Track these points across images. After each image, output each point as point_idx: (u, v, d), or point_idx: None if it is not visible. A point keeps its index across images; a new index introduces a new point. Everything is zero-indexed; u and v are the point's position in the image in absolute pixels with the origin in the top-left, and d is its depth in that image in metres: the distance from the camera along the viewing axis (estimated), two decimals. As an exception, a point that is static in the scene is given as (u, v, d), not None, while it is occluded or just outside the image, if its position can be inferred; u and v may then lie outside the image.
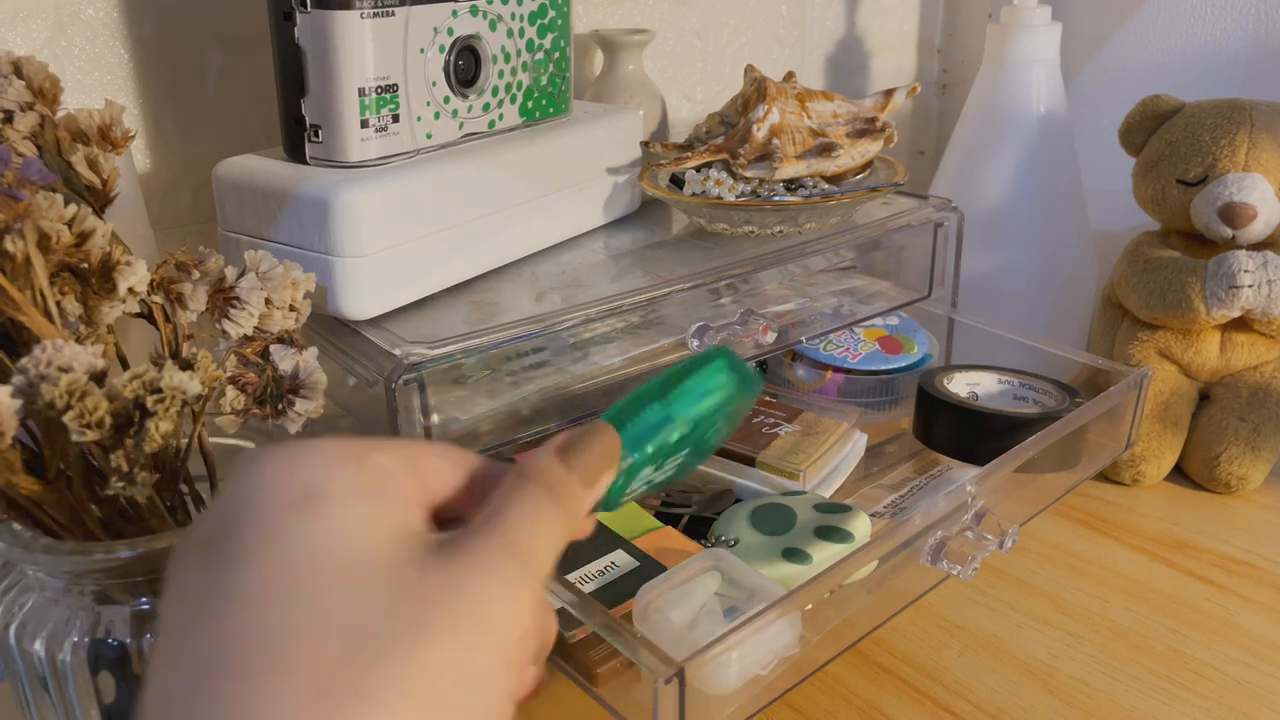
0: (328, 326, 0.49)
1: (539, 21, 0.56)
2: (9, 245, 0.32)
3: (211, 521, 0.24)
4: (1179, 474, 0.69)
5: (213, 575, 0.22)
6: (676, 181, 0.62)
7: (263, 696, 0.20)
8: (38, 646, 0.38)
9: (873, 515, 0.56)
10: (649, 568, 0.49)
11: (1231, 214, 0.66)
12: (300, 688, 0.20)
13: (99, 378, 0.32)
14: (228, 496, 0.24)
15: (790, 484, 0.57)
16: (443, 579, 0.23)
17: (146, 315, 0.38)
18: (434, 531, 0.26)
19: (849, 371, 0.68)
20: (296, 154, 0.49)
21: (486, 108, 0.54)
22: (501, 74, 0.54)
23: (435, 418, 0.46)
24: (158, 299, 0.38)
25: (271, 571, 0.22)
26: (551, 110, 0.59)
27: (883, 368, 0.68)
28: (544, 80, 0.58)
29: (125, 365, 0.39)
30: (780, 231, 0.60)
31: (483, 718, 0.23)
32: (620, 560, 0.49)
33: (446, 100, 0.52)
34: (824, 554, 0.48)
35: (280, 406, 0.39)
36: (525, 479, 0.27)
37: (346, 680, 0.20)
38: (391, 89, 0.49)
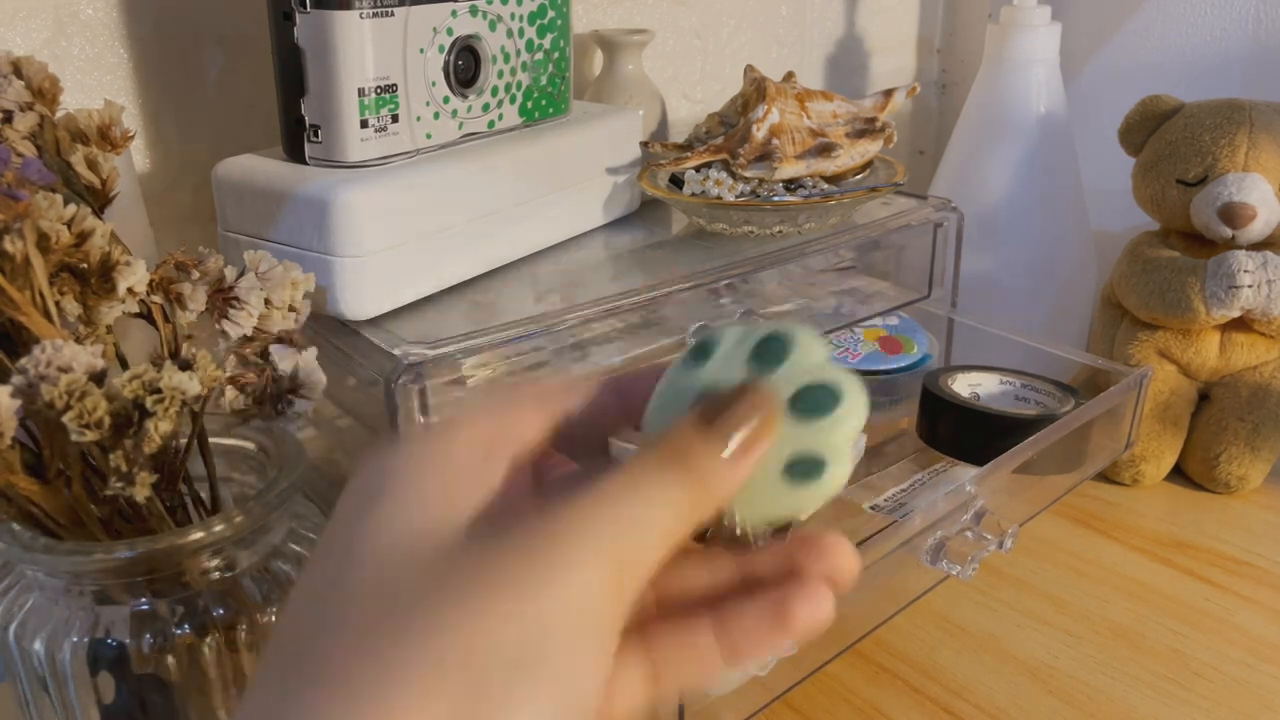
0: (328, 326, 0.49)
1: (539, 21, 0.56)
2: (8, 245, 0.32)
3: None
4: (1179, 474, 0.69)
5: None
6: (676, 181, 0.62)
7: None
8: (37, 646, 0.39)
9: (873, 507, 0.56)
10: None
11: (1231, 214, 0.66)
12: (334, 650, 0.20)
13: (98, 378, 0.32)
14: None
15: None
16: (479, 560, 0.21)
17: (146, 315, 0.38)
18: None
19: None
20: (296, 154, 0.49)
21: (486, 108, 0.54)
22: (501, 74, 0.54)
23: (435, 418, 0.46)
24: (157, 299, 0.38)
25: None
26: (551, 110, 0.59)
27: (883, 368, 0.68)
28: (543, 80, 0.58)
29: (125, 365, 0.39)
30: (780, 231, 0.60)
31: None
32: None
33: (446, 100, 0.52)
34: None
35: (280, 407, 0.39)
36: (650, 447, 0.23)
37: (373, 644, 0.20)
38: (391, 89, 0.49)
